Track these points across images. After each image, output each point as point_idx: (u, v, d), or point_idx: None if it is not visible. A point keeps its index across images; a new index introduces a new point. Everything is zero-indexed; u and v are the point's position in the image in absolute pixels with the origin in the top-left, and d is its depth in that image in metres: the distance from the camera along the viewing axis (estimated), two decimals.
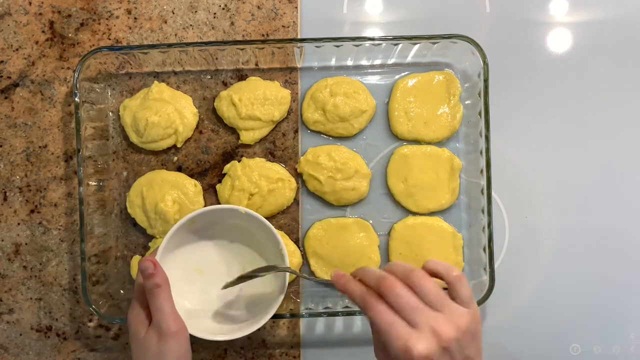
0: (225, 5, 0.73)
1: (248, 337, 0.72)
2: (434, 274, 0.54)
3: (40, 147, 0.72)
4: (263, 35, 0.73)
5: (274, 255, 0.63)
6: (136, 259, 0.70)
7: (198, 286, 0.65)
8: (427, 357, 0.48)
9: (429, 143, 0.71)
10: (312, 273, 0.71)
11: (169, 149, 0.71)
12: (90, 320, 0.72)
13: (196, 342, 0.72)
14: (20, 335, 0.72)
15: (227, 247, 0.66)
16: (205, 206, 0.71)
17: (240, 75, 0.73)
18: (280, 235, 0.70)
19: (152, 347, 0.55)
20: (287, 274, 0.61)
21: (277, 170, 0.70)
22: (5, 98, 0.72)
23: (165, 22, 0.73)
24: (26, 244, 0.72)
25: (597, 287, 0.73)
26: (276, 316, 0.66)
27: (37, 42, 0.73)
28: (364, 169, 0.70)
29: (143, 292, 0.57)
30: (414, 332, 0.49)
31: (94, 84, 0.70)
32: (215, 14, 0.73)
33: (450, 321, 0.50)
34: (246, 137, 0.70)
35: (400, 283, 0.51)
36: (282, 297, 0.61)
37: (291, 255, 0.70)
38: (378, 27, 0.74)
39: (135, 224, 0.71)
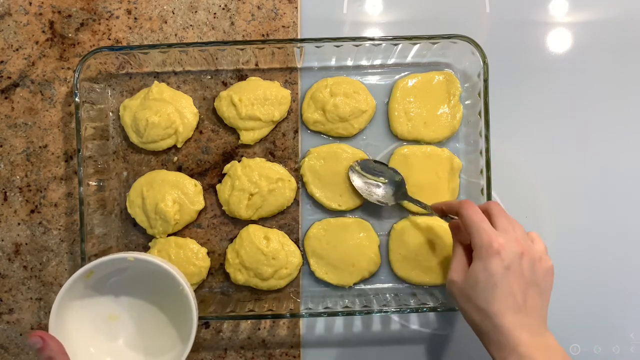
0: (225, 5, 0.73)
1: (248, 337, 0.72)
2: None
3: (40, 147, 0.72)
4: (263, 35, 0.73)
5: (183, 296, 0.60)
6: None
7: (106, 332, 0.64)
8: (505, 249, 0.54)
9: (429, 143, 0.71)
10: (312, 273, 0.71)
11: (169, 149, 0.71)
12: None
13: (196, 342, 0.72)
14: (20, 335, 0.72)
15: (143, 292, 0.65)
16: (205, 206, 0.71)
17: (240, 75, 0.73)
18: (281, 236, 0.70)
19: None
20: (194, 324, 0.59)
21: (277, 170, 0.70)
22: (6, 98, 0.73)
23: (165, 22, 0.73)
24: (26, 244, 0.72)
25: (596, 287, 0.73)
26: (276, 316, 0.66)
27: (37, 42, 0.73)
28: None
29: None
30: (500, 233, 0.56)
31: (94, 84, 0.70)
32: (215, 14, 0.73)
33: (532, 245, 0.57)
34: (246, 137, 0.70)
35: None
36: (188, 347, 0.58)
37: (291, 256, 0.70)
38: (378, 27, 0.74)
39: (135, 224, 0.71)
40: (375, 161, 0.70)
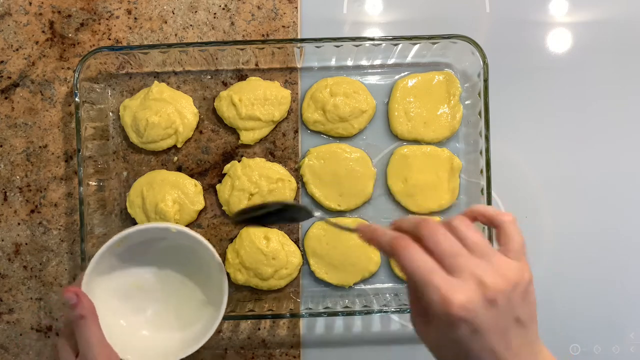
0: (225, 5, 0.73)
1: (248, 337, 0.72)
2: (477, 218, 0.48)
3: (40, 147, 0.72)
4: (263, 35, 0.73)
5: (214, 269, 0.61)
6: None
7: (134, 304, 0.64)
8: (468, 310, 0.41)
9: (428, 143, 0.71)
10: (312, 273, 0.71)
11: (169, 149, 0.71)
12: None
13: None
14: (20, 335, 0.72)
15: (168, 264, 0.65)
16: (205, 206, 0.71)
17: (240, 75, 0.73)
18: (280, 236, 0.70)
19: None
20: (225, 297, 0.59)
21: (277, 170, 0.70)
22: (6, 98, 0.73)
23: (166, 22, 0.73)
24: (26, 244, 0.72)
25: (596, 287, 0.73)
26: (276, 316, 0.66)
27: (37, 42, 0.73)
28: (370, 170, 0.71)
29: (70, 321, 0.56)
30: (455, 281, 0.41)
31: (94, 84, 0.70)
32: (215, 14, 0.73)
33: (498, 272, 0.42)
34: (246, 137, 0.70)
35: (442, 227, 0.44)
36: (219, 318, 0.60)
37: (291, 255, 0.70)
38: (378, 27, 0.74)
39: (135, 224, 0.71)
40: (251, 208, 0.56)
